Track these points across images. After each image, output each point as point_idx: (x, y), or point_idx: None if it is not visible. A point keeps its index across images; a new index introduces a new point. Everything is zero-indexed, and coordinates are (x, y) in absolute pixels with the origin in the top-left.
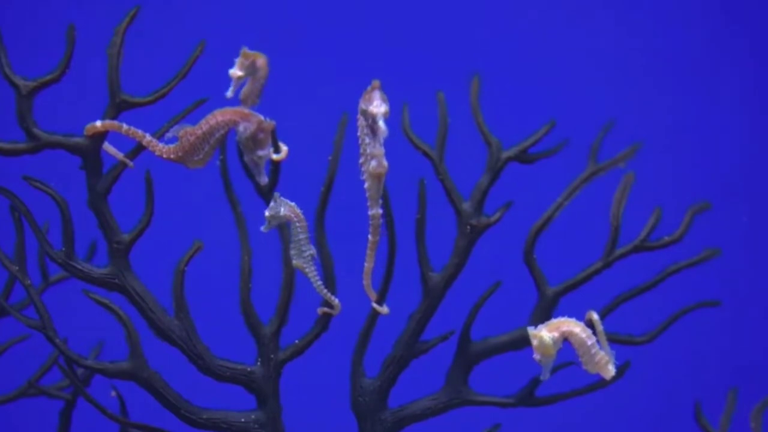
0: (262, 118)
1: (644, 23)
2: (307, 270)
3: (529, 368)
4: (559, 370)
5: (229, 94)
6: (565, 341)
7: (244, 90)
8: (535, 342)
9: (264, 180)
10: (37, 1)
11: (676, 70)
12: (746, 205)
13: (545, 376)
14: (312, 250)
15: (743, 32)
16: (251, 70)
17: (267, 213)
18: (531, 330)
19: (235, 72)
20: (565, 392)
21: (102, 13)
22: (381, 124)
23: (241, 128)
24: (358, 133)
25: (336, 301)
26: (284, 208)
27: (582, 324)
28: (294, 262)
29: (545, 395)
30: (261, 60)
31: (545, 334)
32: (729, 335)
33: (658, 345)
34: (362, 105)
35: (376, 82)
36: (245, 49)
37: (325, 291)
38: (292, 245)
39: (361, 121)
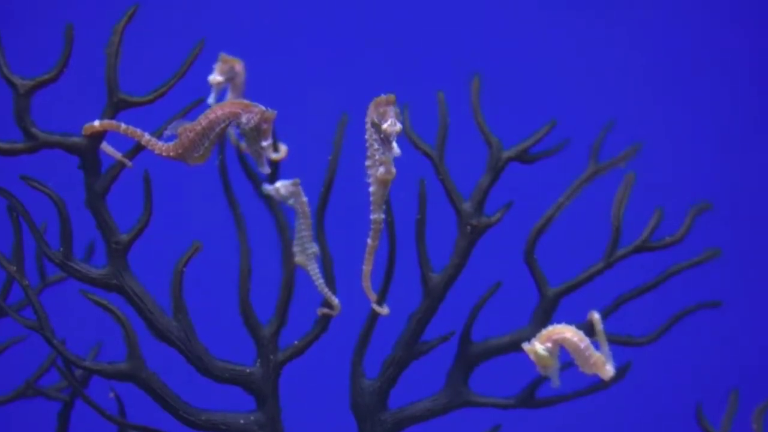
0: (263, 108)
1: (644, 23)
2: (309, 268)
3: (530, 369)
4: (560, 372)
5: (211, 101)
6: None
7: (228, 98)
8: (531, 356)
9: (266, 170)
10: (37, 1)
11: (677, 71)
12: (746, 205)
13: (555, 383)
14: (315, 248)
15: (744, 32)
16: (230, 74)
17: (278, 184)
18: (525, 345)
19: (215, 78)
20: (566, 394)
21: (100, 12)
22: (395, 145)
23: (244, 119)
24: (366, 136)
25: (336, 300)
26: (294, 199)
27: (573, 328)
28: (297, 258)
29: (546, 396)
30: (239, 65)
31: (539, 346)
32: (730, 336)
33: (660, 346)
34: (374, 117)
35: (391, 97)
36: (224, 55)
37: (326, 290)
38: (295, 241)
39: (370, 125)
